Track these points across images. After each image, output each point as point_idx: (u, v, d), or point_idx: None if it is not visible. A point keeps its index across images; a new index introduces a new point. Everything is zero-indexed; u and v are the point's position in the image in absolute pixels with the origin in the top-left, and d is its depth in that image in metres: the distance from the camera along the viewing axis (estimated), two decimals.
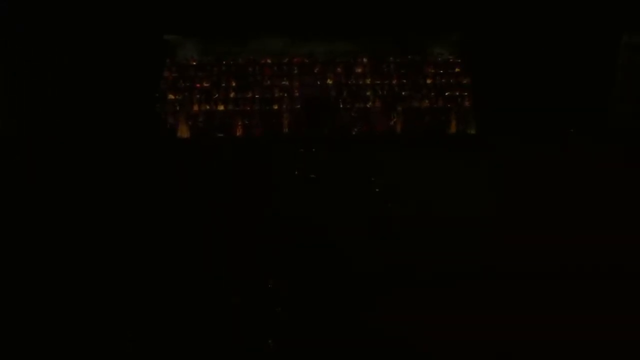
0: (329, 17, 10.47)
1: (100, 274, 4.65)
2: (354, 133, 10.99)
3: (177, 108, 10.87)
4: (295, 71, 11.25)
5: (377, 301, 4.15)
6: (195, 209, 6.47)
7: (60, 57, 10.24)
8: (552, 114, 10.55)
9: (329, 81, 11.21)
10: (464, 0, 10.59)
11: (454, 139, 10.86)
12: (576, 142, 9.63)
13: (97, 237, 5.54)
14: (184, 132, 10.77)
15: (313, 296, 4.22)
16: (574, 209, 6.31)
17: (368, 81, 11.29)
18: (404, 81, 11.33)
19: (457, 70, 11.46)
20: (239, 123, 10.84)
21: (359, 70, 11.36)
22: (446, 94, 11.27)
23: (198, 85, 11.03)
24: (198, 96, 10.94)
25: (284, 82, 11.18)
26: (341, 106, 11.11)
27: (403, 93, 11.25)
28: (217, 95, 10.97)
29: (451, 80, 11.39)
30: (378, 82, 11.28)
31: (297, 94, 11.11)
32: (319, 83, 11.18)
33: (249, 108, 10.97)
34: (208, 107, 10.91)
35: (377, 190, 6.86)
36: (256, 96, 11.04)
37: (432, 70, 11.45)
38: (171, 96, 10.91)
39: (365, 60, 11.42)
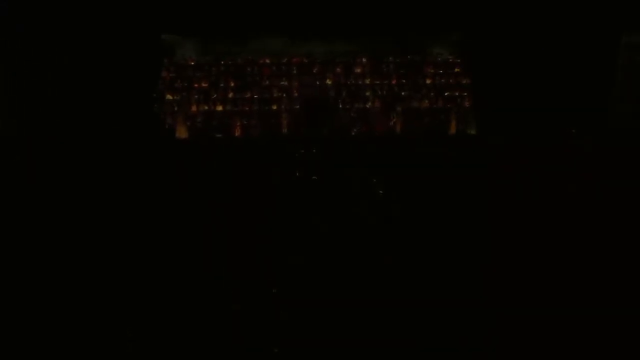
0: (328, 17, 10.44)
1: (100, 274, 4.63)
2: (353, 133, 10.96)
3: (175, 108, 10.82)
4: (294, 71, 11.21)
5: (377, 302, 4.11)
6: (194, 210, 6.45)
7: (60, 57, 10.23)
8: (552, 114, 10.53)
9: (328, 81, 11.18)
10: (464, 0, 10.56)
11: (454, 139, 10.83)
12: (576, 142, 9.60)
13: (96, 237, 5.51)
14: (182, 132, 10.72)
15: (314, 298, 4.19)
16: (574, 209, 6.28)
17: (367, 81, 11.26)
18: (404, 81, 11.30)
19: (457, 70, 11.44)
20: (238, 123, 10.81)
21: (358, 70, 11.33)
22: (446, 94, 11.25)
23: (196, 85, 10.99)
24: (196, 96, 10.90)
25: (282, 82, 11.14)
26: (340, 106, 11.08)
27: (403, 93, 11.22)
28: (215, 96, 10.93)
29: (451, 81, 11.37)
30: (377, 82, 11.26)
31: (296, 94, 11.08)
32: (318, 83, 11.15)
33: (247, 108, 10.92)
34: (206, 107, 10.86)
35: (380, 192, 6.84)
36: (255, 96, 11.00)
37: (432, 71, 11.43)
38: (169, 96, 10.86)
39: (364, 60, 11.39)
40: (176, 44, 11.07)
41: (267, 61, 11.27)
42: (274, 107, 10.98)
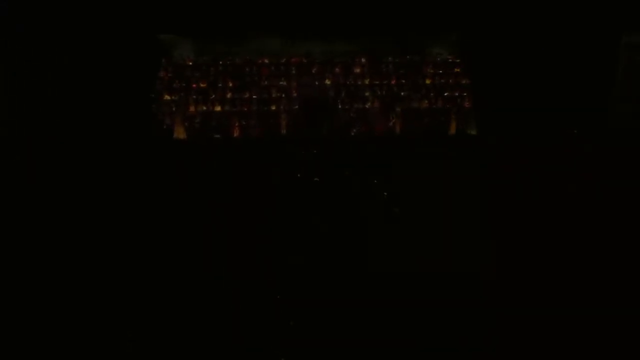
0: (327, 16, 10.40)
1: (100, 274, 4.63)
2: (352, 134, 10.92)
3: (173, 109, 10.75)
4: (293, 71, 11.15)
5: (377, 302, 4.09)
6: (192, 211, 6.43)
7: (59, 57, 10.20)
8: (552, 114, 10.52)
9: (327, 81, 11.12)
10: (464, 0, 10.54)
11: (454, 139, 10.81)
12: (576, 142, 9.59)
13: (96, 237, 5.51)
14: (180, 133, 10.66)
15: (314, 298, 4.17)
16: (574, 209, 6.26)
17: (367, 81, 11.22)
18: (403, 81, 11.25)
19: (456, 70, 11.41)
20: (236, 124, 10.77)
21: (357, 70, 11.28)
22: (445, 94, 11.23)
23: (194, 85, 10.93)
24: (194, 97, 10.83)
25: (281, 83, 11.09)
26: (340, 107, 11.04)
27: (402, 93, 11.18)
28: (213, 96, 10.86)
29: (450, 81, 11.34)
30: (377, 82, 11.21)
31: (295, 95, 11.03)
32: (317, 83, 11.11)
33: (246, 109, 10.86)
34: (205, 107, 10.80)
35: (385, 194, 6.82)
36: (253, 97, 10.93)
37: (432, 71, 11.39)
38: (167, 97, 10.79)
39: (363, 60, 11.35)
40: (174, 43, 11.04)
41: (266, 61, 11.22)
42: (273, 108, 10.92)
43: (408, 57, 11.44)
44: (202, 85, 10.97)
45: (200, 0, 10.10)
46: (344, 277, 4.53)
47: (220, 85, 10.99)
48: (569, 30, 10.62)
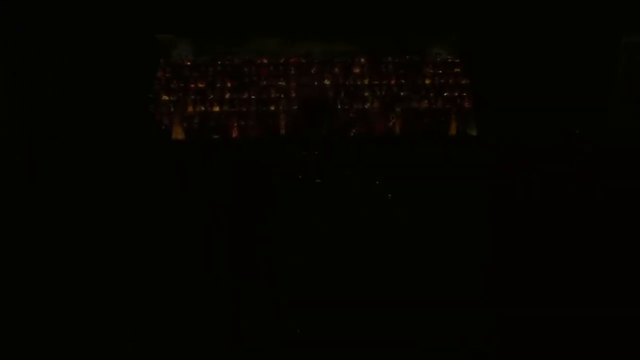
0: (327, 16, 10.40)
1: (99, 274, 4.61)
2: (352, 134, 10.91)
3: (172, 109, 10.73)
4: (292, 71, 11.14)
5: (378, 302, 4.08)
6: (191, 212, 6.41)
7: (59, 57, 10.20)
8: (552, 114, 10.51)
9: (327, 81, 11.12)
10: (464, 0, 10.54)
11: (454, 139, 10.80)
12: (576, 142, 9.58)
13: (95, 238, 5.49)
14: (178, 133, 10.63)
15: (314, 298, 4.15)
16: (574, 209, 6.24)
17: (366, 81, 11.21)
18: (403, 81, 11.25)
19: (456, 70, 11.40)
20: (235, 124, 10.74)
21: (357, 70, 11.27)
22: (445, 94, 11.22)
23: (193, 85, 10.91)
24: (193, 97, 10.82)
25: (280, 83, 11.07)
26: (339, 107, 11.02)
27: (402, 93, 11.18)
28: (212, 96, 10.85)
29: (450, 81, 11.33)
30: (376, 82, 11.21)
31: (294, 95, 11.02)
32: (316, 83, 11.10)
33: (245, 109, 10.85)
34: (203, 108, 10.79)
35: (389, 195, 6.80)
36: (252, 97, 10.92)
37: (431, 71, 11.39)
38: (165, 97, 10.78)
39: (363, 60, 11.33)
40: (172, 43, 11.02)
41: (265, 61, 11.20)
42: (272, 108, 10.91)
43: (408, 57, 11.44)
44: (200, 85, 10.94)
45: (199, 0, 10.09)
46: (344, 277, 4.51)
47: (218, 85, 10.97)
48: (569, 30, 10.62)
